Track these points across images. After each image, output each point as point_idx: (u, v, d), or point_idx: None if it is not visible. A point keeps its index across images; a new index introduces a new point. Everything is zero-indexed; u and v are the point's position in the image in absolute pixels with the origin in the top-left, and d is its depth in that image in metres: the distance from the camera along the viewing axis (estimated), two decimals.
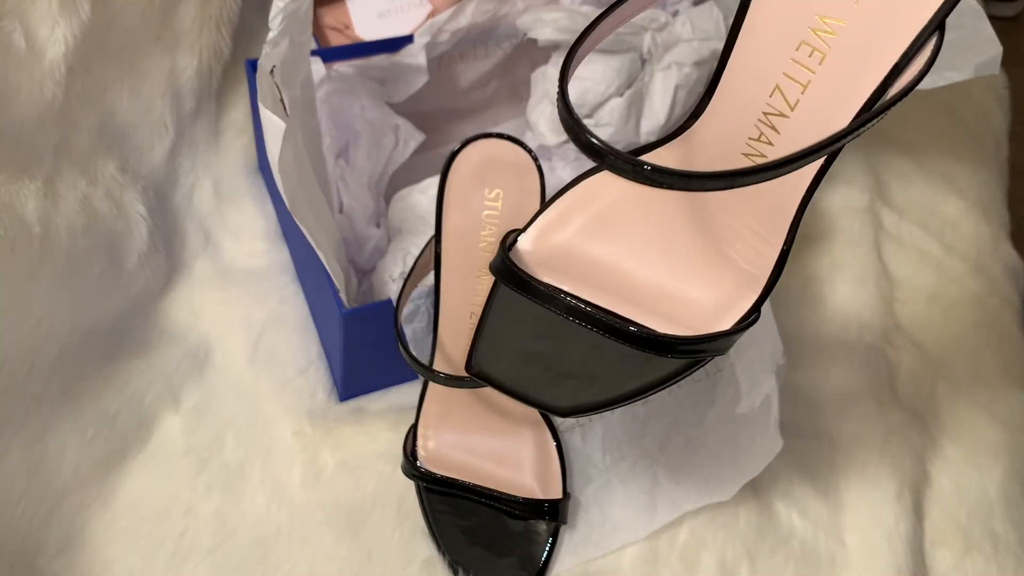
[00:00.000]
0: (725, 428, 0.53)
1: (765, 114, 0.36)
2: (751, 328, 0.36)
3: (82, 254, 0.52)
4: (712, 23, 0.62)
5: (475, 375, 0.39)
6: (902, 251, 0.70)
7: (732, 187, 0.32)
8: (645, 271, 0.38)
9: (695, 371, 0.37)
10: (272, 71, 0.44)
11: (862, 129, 0.31)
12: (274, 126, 0.41)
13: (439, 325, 0.50)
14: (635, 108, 0.62)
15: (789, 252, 0.36)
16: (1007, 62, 0.53)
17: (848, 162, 0.73)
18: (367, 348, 0.53)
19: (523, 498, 0.51)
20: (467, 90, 0.67)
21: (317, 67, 0.57)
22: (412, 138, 0.61)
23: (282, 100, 0.45)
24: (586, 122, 0.62)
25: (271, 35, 0.45)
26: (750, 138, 0.36)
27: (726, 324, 0.37)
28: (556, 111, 0.62)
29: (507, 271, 0.36)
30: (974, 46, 0.51)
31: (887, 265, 0.69)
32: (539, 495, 0.51)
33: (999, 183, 0.78)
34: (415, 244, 0.56)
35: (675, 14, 0.63)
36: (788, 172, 0.31)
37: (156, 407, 0.55)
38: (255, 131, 0.65)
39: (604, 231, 0.38)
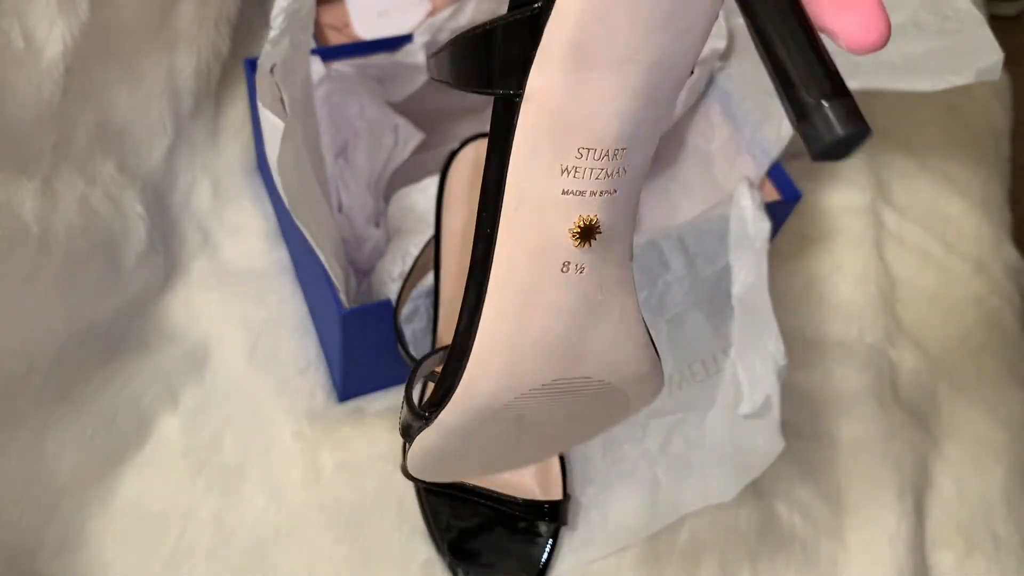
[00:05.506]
0: (726, 429, 0.53)
1: None
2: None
3: (80, 254, 0.52)
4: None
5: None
6: (904, 251, 0.70)
7: None
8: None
9: None
10: (272, 70, 0.44)
11: None
12: (273, 126, 0.41)
13: (439, 325, 0.50)
14: None
15: None
16: (1009, 61, 0.53)
17: (850, 162, 0.72)
18: (366, 348, 0.53)
19: (523, 499, 0.51)
20: None
21: (316, 66, 0.57)
22: (412, 137, 0.61)
23: (282, 99, 0.45)
24: None
25: (272, 34, 0.44)
26: None
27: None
28: None
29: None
30: (975, 52, 0.51)
31: (889, 265, 0.69)
32: (539, 496, 0.51)
33: (1001, 182, 0.78)
34: (415, 244, 0.55)
35: None
36: None
37: (155, 407, 0.55)
38: (254, 131, 0.65)
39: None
